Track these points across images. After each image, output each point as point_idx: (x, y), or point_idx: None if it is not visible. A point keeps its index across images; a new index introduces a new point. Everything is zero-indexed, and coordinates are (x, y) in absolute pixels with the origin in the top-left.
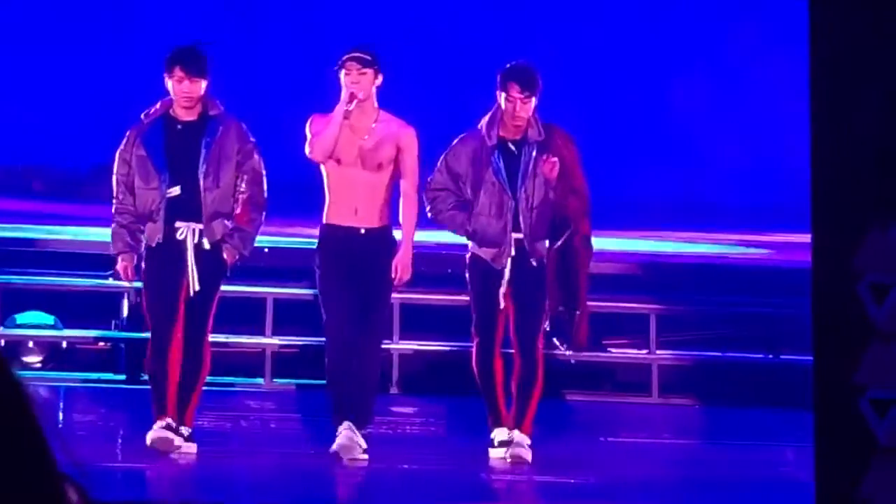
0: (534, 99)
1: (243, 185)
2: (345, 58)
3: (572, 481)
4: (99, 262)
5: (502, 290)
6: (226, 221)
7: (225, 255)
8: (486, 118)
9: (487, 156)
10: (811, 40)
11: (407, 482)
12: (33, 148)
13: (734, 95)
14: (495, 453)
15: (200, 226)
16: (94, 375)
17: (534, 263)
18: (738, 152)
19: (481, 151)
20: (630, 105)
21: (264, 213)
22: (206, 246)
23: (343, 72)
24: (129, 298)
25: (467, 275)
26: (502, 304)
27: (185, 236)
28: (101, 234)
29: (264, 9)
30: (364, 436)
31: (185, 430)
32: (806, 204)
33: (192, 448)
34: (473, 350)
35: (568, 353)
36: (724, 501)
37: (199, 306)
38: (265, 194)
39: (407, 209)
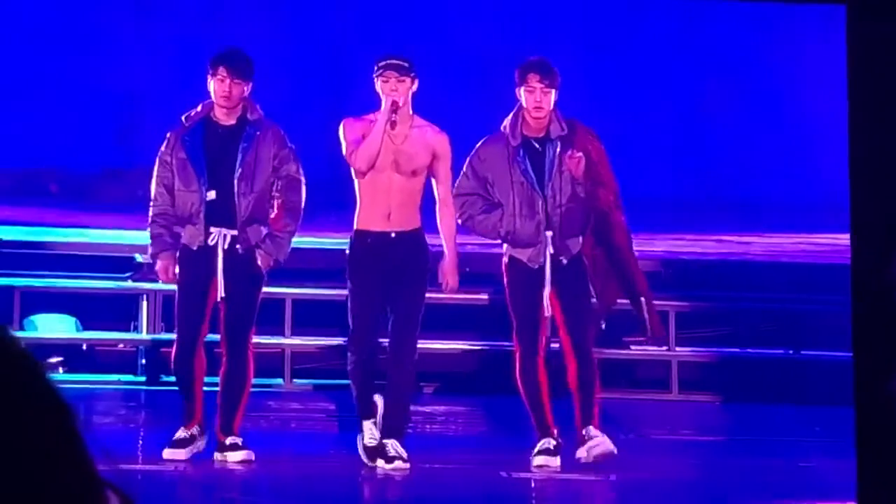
0: (554, 91)
1: (279, 191)
2: (382, 65)
3: (593, 478)
4: (118, 264)
5: (546, 291)
6: (261, 227)
7: (259, 261)
8: (509, 118)
9: (513, 155)
10: (848, 43)
11: (433, 482)
12: (50, 151)
13: (767, 92)
14: (539, 461)
15: (233, 231)
16: (114, 377)
17: (564, 261)
18: (768, 150)
19: (506, 152)
20: (655, 103)
21: (300, 220)
22: (240, 251)
23: (381, 80)
24: (148, 300)
25: (505, 279)
26: (548, 310)
27: (216, 241)
28: (119, 236)
29: (280, 14)
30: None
31: (235, 440)
32: (834, 201)
33: (250, 455)
34: (517, 359)
35: (650, 348)
36: (745, 498)
37: (238, 313)
38: (302, 201)
39: (446, 215)
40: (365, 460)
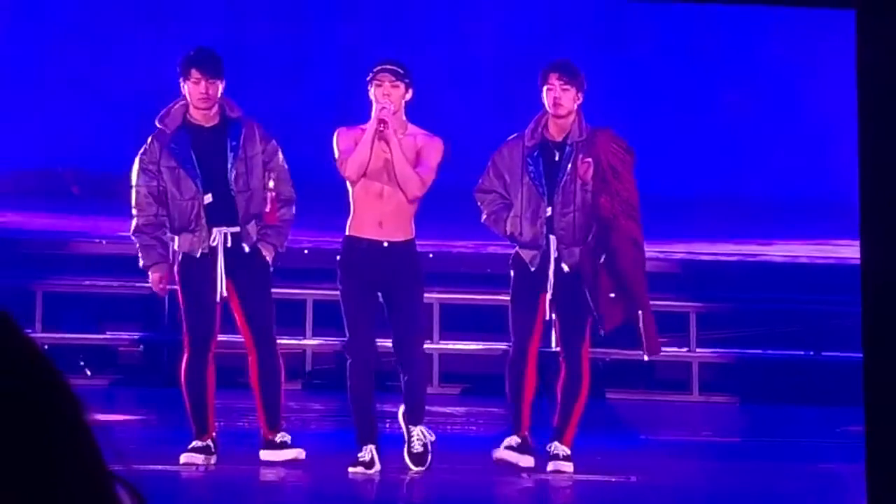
0: (574, 90)
1: (271, 184)
2: (377, 69)
3: (613, 480)
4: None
5: (547, 296)
6: (259, 222)
7: (265, 254)
8: (532, 121)
9: (526, 156)
10: (858, 46)
11: (452, 483)
12: (71, 151)
13: (776, 96)
14: (499, 454)
15: (233, 229)
16: (136, 377)
17: (566, 269)
18: (781, 152)
19: (522, 152)
20: (672, 105)
21: (294, 207)
22: (246, 249)
23: (374, 83)
24: (169, 302)
25: (511, 272)
26: (548, 313)
27: (217, 242)
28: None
29: (287, 19)
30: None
31: (284, 437)
32: (849, 202)
33: (300, 454)
34: (509, 356)
35: (671, 349)
36: (765, 500)
37: (259, 310)
38: (293, 190)
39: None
40: (351, 469)
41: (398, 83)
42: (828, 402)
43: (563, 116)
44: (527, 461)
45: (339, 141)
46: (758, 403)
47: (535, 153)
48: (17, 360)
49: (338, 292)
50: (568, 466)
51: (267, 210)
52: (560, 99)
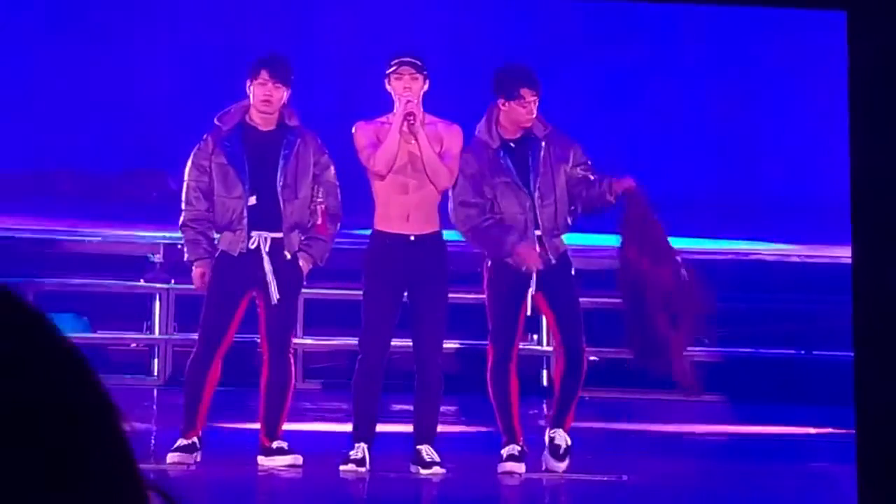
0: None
1: (321, 196)
2: (396, 62)
3: (605, 479)
4: (130, 264)
5: (531, 291)
6: (303, 232)
7: (301, 264)
8: (483, 123)
9: (495, 158)
10: (849, 48)
11: (445, 482)
12: (62, 150)
13: (767, 96)
14: (507, 467)
15: (274, 235)
16: (127, 377)
17: (552, 260)
18: (773, 152)
19: (486, 155)
20: (663, 105)
21: (339, 224)
22: (287, 257)
23: (394, 77)
24: (161, 300)
25: (486, 278)
26: (529, 311)
27: (259, 245)
28: (131, 236)
29: (290, 18)
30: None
31: (281, 444)
32: (840, 202)
33: (297, 459)
34: (490, 362)
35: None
36: (758, 497)
37: (283, 318)
38: (340, 206)
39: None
40: (342, 468)
41: (418, 75)
42: (819, 400)
43: (530, 124)
44: (522, 468)
45: (360, 136)
46: (750, 402)
47: (502, 152)
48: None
49: (331, 291)
50: (562, 465)
51: (318, 222)
52: (534, 111)
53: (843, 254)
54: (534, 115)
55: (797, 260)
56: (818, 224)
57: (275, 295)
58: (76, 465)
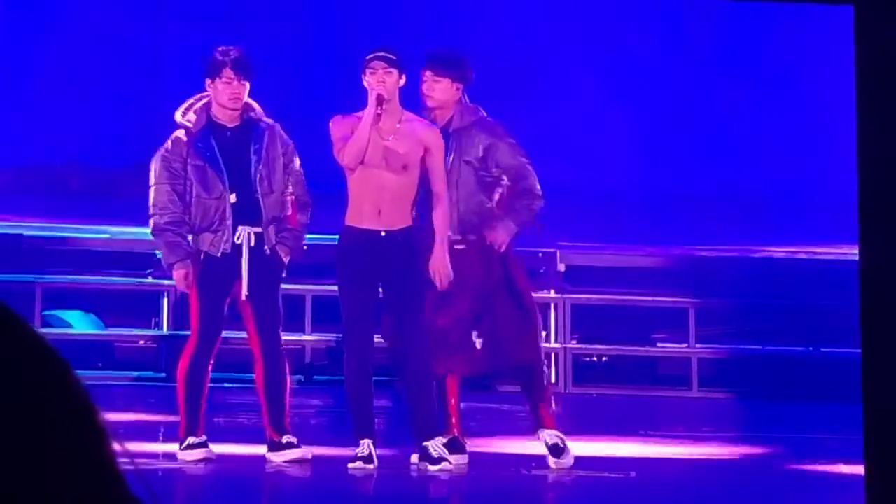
0: (450, 81)
1: (290, 187)
2: (370, 57)
3: (613, 475)
4: (138, 260)
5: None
6: (279, 224)
7: (282, 256)
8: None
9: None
10: (856, 43)
11: (454, 479)
12: (71, 147)
13: (774, 92)
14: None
15: (256, 229)
16: (135, 373)
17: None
18: (780, 148)
19: None
20: (670, 101)
21: (309, 213)
22: (267, 251)
23: (368, 71)
24: (169, 297)
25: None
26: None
27: (242, 241)
28: (140, 232)
29: (284, 13)
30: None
31: (290, 438)
32: (847, 198)
33: (307, 454)
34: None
35: (670, 345)
36: (764, 496)
37: (269, 312)
38: (308, 194)
39: (439, 210)
40: (350, 465)
41: (391, 70)
42: (826, 397)
43: (434, 109)
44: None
45: (335, 129)
46: (757, 399)
47: None
48: (22, 353)
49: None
50: (566, 459)
51: (288, 213)
52: (432, 91)
53: (851, 251)
54: (434, 97)
55: (805, 257)
56: (826, 221)
57: (244, 291)
58: (56, 465)
